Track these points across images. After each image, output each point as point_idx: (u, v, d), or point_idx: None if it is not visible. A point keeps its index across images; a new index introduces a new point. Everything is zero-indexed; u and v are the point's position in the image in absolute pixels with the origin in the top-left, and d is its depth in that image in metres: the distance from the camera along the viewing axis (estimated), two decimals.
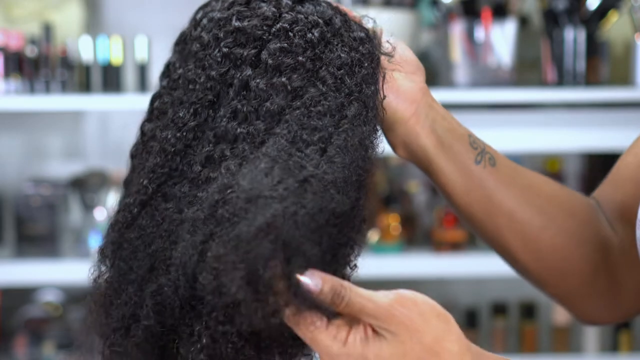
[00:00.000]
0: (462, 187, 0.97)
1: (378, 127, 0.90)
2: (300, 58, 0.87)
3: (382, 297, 0.73)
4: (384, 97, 0.91)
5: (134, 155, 0.95)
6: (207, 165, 0.85)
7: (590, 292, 1.02)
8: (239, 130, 0.85)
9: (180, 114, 0.88)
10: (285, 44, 0.87)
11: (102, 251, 0.90)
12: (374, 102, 0.88)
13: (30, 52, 2.42)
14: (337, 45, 0.89)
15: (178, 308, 0.80)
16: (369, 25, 0.94)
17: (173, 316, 0.81)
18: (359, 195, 0.81)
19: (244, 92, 0.86)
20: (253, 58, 0.87)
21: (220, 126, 0.86)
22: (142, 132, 0.94)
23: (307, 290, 0.72)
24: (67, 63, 2.43)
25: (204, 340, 0.78)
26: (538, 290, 1.05)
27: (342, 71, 0.87)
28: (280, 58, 0.87)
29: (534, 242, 0.99)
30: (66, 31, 2.53)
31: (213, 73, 0.88)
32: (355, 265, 0.80)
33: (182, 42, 0.94)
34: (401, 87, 0.94)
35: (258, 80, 0.86)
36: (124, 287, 0.85)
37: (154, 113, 0.94)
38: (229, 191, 0.79)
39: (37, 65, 2.41)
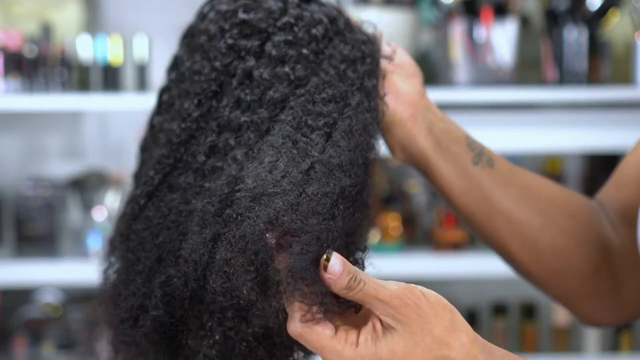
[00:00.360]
0: (460, 188, 0.97)
1: (379, 117, 0.91)
2: (304, 51, 0.88)
3: (393, 284, 0.73)
4: (384, 94, 0.92)
5: (143, 148, 0.96)
6: (211, 155, 0.85)
7: (592, 293, 1.02)
8: (242, 119, 0.85)
9: (185, 105, 0.89)
10: (290, 37, 0.88)
11: (110, 242, 0.91)
12: (375, 94, 0.90)
13: (30, 51, 2.41)
14: (339, 43, 0.90)
15: (187, 299, 0.81)
16: (369, 30, 0.96)
17: (182, 307, 0.81)
18: (366, 179, 0.81)
19: (247, 82, 0.87)
20: (257, 49, 0.88)
21: (223, 116, 0.86)
22: (151, 125, 0.95)
23: (331, 271, 0.71)
24: (66, 63, 2.42)
25: (216, 337, 0.78)
26: (539, 291, 1.04)
27: (344, 65, 0.89)
28: (284, 50, 0.88)
29: (533, 243, 0.99)
30: (65, 30, 2.53)
31: (217, 64, 0.88)
32: (366, 248, 0.79)
33: (190, 36, 0.95)
34: (400, 89, 0.95)
35: (261, 70, 0.87)
36: (132, 278, 0.86)
37: (163, 106, 0.95)
38: (237, 188, 0.79)
39: (36, 64, 2.41)
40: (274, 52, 0.87)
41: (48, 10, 2.56)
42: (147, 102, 0.98)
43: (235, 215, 0.76)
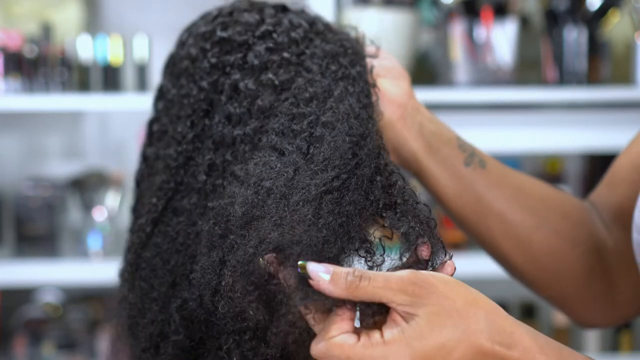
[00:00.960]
0: (453, 190, 0.97)
1: (371, 95, 0.90)
2: (285, 54, 0.88)
3: (398, 272, 0.71)
4: (374, 81, 0.92)
5: (139, 180, 0.96)
6: (211, 174, 0.85)
7: (586, 294, 1.02)
8: (235, 132, 0.85)
9: (179, 129, 0.89)
10: (270, 44, 0.88)
11: (121, 275, 0.91)
12: (360, 80, 0.89)
13: (30, 51, 2.41)
14: (320, 42, 0.90)
15: (205, 322, 0.81)
16: (351, 32, 0.96)
17: (200, 330, 0.82)
18: (359, 161, 0.80)
19: (235, 95, 0.87)
20: (240, 62, 0.88)
21: (217, 132, 0.86)
22: (145, 156, 0.95)
23: (315, 276, 0.70)
24: (66, 63, 2.42)
25: (234, 359, 0.78)
26: (533, 293, 1.04)
27: (326, 60, 0.89)
28: (265, 57, 0.88)
29: (526, 244, 0.99)
30: (65, 30, 2.53)
31: (204, 83, 0.89)
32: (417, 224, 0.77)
33: (172, 65, 0.96)
34: (387, 91, 0.94)
35: (247, 81, 0.87)
36: (148, 306, 0.86)
37: (154, 136, 0.95)
38: (228, 217, 0.80)
39: (36, 64, 2.41)
40: (256, 62, 0.87)
41: (48, 10, 2.56)
42: (147, 102, 0.98)
43: (233, 242, 0.77)
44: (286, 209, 0.75)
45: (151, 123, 0.96)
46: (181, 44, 0.95)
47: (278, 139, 0.82)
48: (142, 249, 0.88)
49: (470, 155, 0.98)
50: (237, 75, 0.88)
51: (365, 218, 0.77)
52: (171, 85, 0.94)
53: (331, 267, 0.70)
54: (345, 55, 0.90)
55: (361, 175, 0.78)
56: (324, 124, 0.82)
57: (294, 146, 0.81)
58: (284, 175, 0.78)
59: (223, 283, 0.75)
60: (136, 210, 0.95)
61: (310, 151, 0.80)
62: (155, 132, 0.95)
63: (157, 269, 0.86)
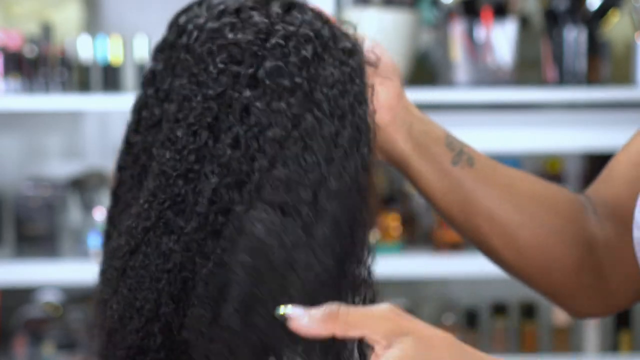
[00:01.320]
0: (441, 189, 0.97)
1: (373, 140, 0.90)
2: (297, 79, 0.85)
3: (377, 306, 0.73)
4: (375, 111, 0.91)
5: (122, 167, 0.92)
6: (214, 202, 0.83)
7: (577, 287, 1.02)
8: (243, 167, 0.82)
9: (179, 134, 0.85)
10: (281, 63, 0.85)
11: (102, 274, 0.88)
12: (366, 123, 0.88)
13: (30, 51, 2.41)
14: (328, 60, 0.87)
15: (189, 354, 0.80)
16: (350, 31, 0.93)
17: (184, 352, 0.81)
18: (351, 250, 0.82)
19: (245, 116, 0.84)
20: (250, 78, 0.85)
21: (224, 156, 0.83)
22: (129, 143, 0.92)
23: (297, 318, 0.72)
24: (66, 63, 2.43)
25: None
26: (526, 286, 1.05)
27: (335, 90, 0.86)
28: (277, 79, 0.85)
29: (514, 240, 1.00)
30: (65, 30, 2.53)
31: (210, 92, 0.85)
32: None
33: (168, 48, 0.91)
34: (377, 94, 0.93)
35: (257, 104, 0.84)
36: (129, 315, 0.84)
37: (142, 124, 0.91)
38: (224, 292, 0.80)
39: (36, 65, 2.41)
40: (267, 82, 0.84)
41: (48, 10, 2.56)
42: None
43: (226, 324, 0.77)
44: (280, 286, 0.77)
45: (139, 108, 0.91)
46: (180, 29, 0.90)
47: (284, 193, 0.81)
48: (130, 255, 0.85)
49: (459, 153, 0.98)
50: (247, 93, 0.84)
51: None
52: (166, 74, 0.90)
53: (309, 310, 0.72)
54: (353, 84, 0.88)
55: (350, 270, 0.81)
56: (330, 194, 0.82)
57: (297, 210, 0.81)
58: (285, 245, 0.78)
59: (222, 324, 0.77)
60: (116, 195, 0.92)
61: (313, 224, 0.80)
62: (144, 119, 0.90)
63: (144, 282, 0.84)
